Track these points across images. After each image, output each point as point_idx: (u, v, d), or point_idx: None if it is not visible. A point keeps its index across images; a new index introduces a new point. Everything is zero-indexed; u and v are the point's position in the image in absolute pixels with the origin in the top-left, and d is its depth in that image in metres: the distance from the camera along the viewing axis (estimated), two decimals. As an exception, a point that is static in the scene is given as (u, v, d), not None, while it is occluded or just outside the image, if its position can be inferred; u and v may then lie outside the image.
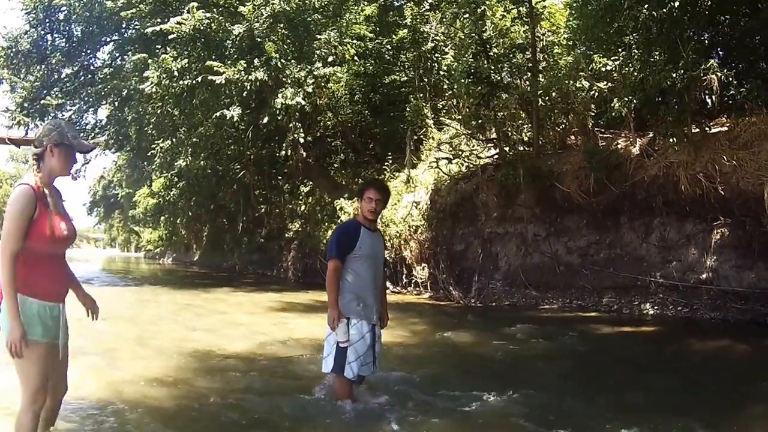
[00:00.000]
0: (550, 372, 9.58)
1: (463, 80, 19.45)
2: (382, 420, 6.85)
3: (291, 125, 23.69)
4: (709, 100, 17.07)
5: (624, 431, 6.41)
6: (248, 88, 22.73)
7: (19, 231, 4.83)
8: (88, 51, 31.85)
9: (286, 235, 35.85)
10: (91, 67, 32.34)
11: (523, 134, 20.73)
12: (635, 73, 15.92)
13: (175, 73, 23.28)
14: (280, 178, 35.18)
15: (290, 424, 6.89)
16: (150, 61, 23.56)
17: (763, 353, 10.95)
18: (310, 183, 32.94)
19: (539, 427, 6.71)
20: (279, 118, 23.43)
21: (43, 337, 4.92)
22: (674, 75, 14.66)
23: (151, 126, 30.19)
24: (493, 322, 14.83)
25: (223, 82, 22.23)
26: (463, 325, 14.42)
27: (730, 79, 15.23)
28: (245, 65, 22.37)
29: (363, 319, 7.26)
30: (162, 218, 51.69)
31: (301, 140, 24.07)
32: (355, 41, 24.29)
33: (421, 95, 24.30)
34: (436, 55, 24.36)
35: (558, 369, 9.76)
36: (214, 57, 23.36)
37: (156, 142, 30.36)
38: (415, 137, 24.38)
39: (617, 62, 16.32)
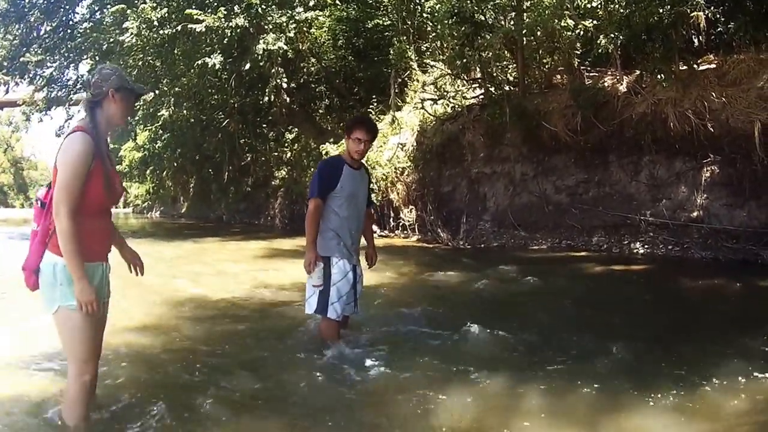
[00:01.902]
0: (537, 310, 9.46)
1: (446, 21, 19.19)
2: (367, 359, 6.75)
3: (273, 71, 23.47)
4: (696, 40, 16.91)
5: (605, 366, 6.40)
6: (229, 35, 22.53)
7: (78, 183, 4.47)
8: (67, 6, 31.61)
9: (273, 182, 35.76)
10: (71, 23, 32.06)
11: (509, 74, 20.54)
12: (621, 10, 15.75)
13: (155, 23, 23.06)
14: (264, 126, 34.92)
15: (274, 368, 6.72)
16: (129, 11, 23.26)
17: (755, 292, 10.82)
18: (295, 130, 32.70)
19: (525, 361, 6.69)
20: (261, 64, 23.20)
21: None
22: (660, 11, 14.49)
23: (132, 78, 29.78)
24: (481, 262, 14.72)
25: (204, 30, 21.98)
26: (451, 266, 14.28)
27: (718, 16, 15.08)
28: (225, 12, 22.10)
29: (344, 258, 7.14)
30: (148, 171, 51.27)
31: (284, 86, 23.91)
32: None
33: (405, 38, 24.04)
34: (420, -4, 24.15)
35: (545, 307, 9.62)
36: (193, 5, 23.08)
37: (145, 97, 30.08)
38: (400, 80, 24.21)
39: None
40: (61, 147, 4.59)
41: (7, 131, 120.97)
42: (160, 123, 33.96)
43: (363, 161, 7.63)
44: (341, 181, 7.13)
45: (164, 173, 49.26)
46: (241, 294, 11.44)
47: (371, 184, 7.98)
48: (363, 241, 7.66)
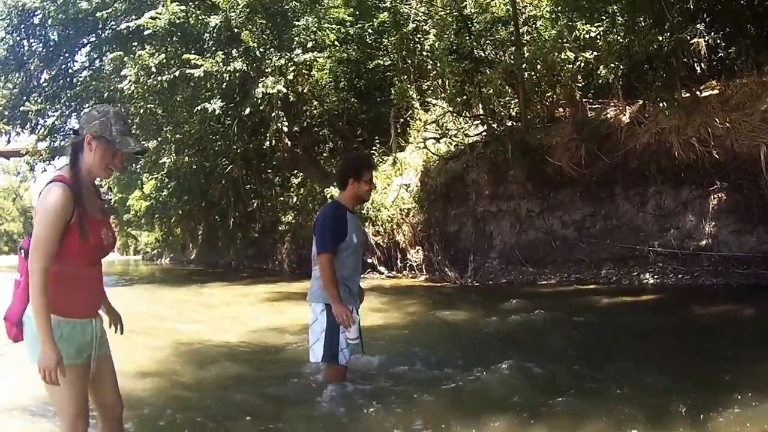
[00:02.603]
0: (545, 344, 9.34)
1: (445, 58, 19.16)
2: (371, 401, 6.54)
3: (273, 114, 23.40)
4: (698, 66, 16.85)
5: (616, 403, 6.11)
6: (227, 79, 22.47)
7: (53, 240, 4.17)
8: (66, 54, 31.54)
9: (280, 227, 35.59)
10: (70, 71, 32.05)
11: (511, 109, 20.48)
12: (621, 40, 15.69)
13: (153, 69, 23.01)
14: (269, 171, 34.88)
15: (277, 409, 6.63)
16: (126, 58, 23.27)
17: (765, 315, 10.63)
18: (300, 174, 32.62)
19: (530, 401, 6.42)
20: (261, 108, 23.14)
21: (77, 359, 4.35)
22: (660, 39, 14.43)
23: (134, 126, 29.88)
24: (489, 299, 14.54)
25: (202, 75, 21.95)
26: (458, 304, 14.20)
27: (718, 41, 15.02)
28: (224, 57, 22.08)
29: (351, 305, 6.90)
30: (155, 220, 51.33)
31: (285, 129, 23.89)
32: (334, 26, 23.97)
33: (405, 77, 24.02)
34: (418, 35, 24.14)
35: (553, 341, 9.48)
36: (192, 51, 23.07)
37: (141, 142, 29.97)
38: (402, 120, 24.17)
39: (601, 28, 16.07)
40: (39, 197, 4.34)
41: (15, 181, 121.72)
42: (165, 171, 33.93)
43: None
44: (348, 230, 6.88)
45: (172, 221, 49.32)
46: (245, 337, 11.31)
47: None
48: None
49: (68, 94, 30.15)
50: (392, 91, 23.80)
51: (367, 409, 6.31)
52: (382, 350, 8.75)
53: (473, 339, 10.36)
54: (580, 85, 18.12)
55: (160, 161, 30.93)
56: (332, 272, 6.70)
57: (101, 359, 4.62)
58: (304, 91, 26.35)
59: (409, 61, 24.53)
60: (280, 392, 7.35)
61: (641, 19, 15.35)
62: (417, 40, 24.28)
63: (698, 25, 14.90)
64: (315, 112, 29.65)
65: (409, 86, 23.16)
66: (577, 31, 16.84)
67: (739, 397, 5.89)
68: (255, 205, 37.43)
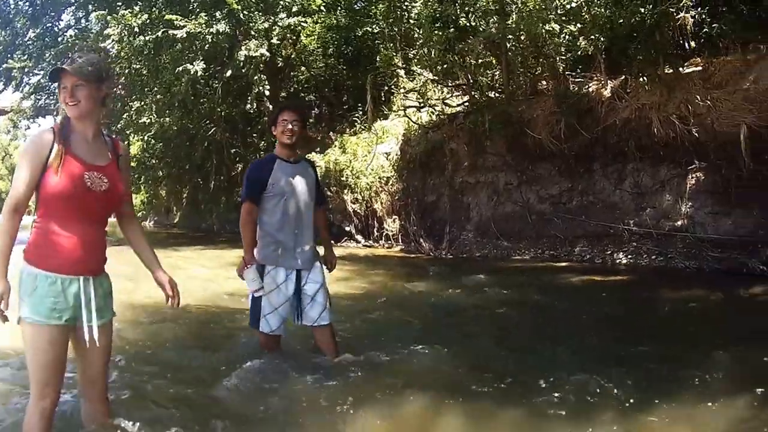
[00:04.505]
0: (499, 322, 9.19)
1: (429, 26, 18.84)
2: (287, 374, 6.37)
3: (256, 78, 23.17)
4: (685, 43, 16.58)
5: (551, 387, 5.95)
6: (210, 41, 22.20)
7: (22, 180, 4.07)
8: (52, 13, 31.39)
9: (263, 193, 35.31)
10: (56, 29, 31.85)
11: (494, 81, 20.18)
12: (605, 11, 15.38)
13: (136, 29, 22.77)
14: (254, 135, 34.62)
15: (204, 374, 6.58)
16: (110, 18, 23.04)
17: (736, 302, 10.48)
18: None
19: (460, 380, 6.27)
20: (244, 71, 22.91)
21: (50, 319, 4.12)
22: (643, 11, 14.12)
23: (119, 87, 29.65)
24: (459, 272, 14.39)
25: (185, 36, 21.70)
26: (427, 276, 14.16)
27: (704, 17, 14.73)
28: (207, 18, 21.82)
29: (279, 267, 6.62)
30: (141, 182, 51.18)
31: (267, 93, 23.62)
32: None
33: (392, 45, 23.76)
34: (406, 3, 23.81)
35: (509, 319, 9.39)
36: (177, 11, 22.80)
37: (130, 103, 29.82)
38: (386, 88, 23.98)
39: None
40: None
41: (5, 139, 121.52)
42: (152, 132, 33.65)
43: (308, 157, 7.21)
44: (272, 176, 6.62)
45: (157, 183, 49.16)
46: (203, 300, 11.21)
47: (319, 181, 7.24)
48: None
49: (53, 53, 29.91)
50: (377, 59, 23.56)
51: (271, 384, 6.17)
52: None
53: (425, 313, 10.22)
54: (563, 57, 17.83)
55: (140, 121, 30.60)
56: (245, 222, 6.65)
57: (94, 327, 4.32)
58: (292, 56, 26.16)
59: (396, 29, 24.24)
60: (208, 356, 7.32)
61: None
62: (404, 7, 23.97)
63: (685, 1, 14.62)
64: (302, 77, 29.49)
65: (394, 54, 22.90)
66: (559, 1, 16.52)
67: (687, 386, 5.84)
68: (239, 169, 37.22)
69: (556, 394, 5.68)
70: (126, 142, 39.45)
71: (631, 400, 5.53)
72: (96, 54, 4.59)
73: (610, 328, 8.74)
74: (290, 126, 6.62)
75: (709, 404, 5.34)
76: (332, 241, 7.28)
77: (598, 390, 5.77)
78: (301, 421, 5.31)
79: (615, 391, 5.74)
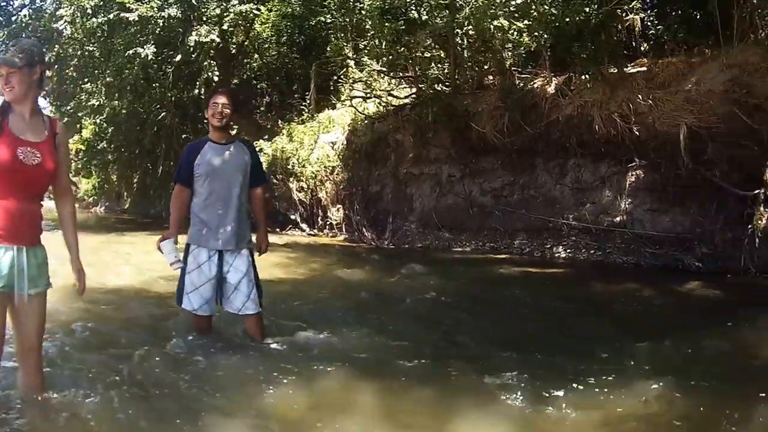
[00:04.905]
0: (428, 308, 9.37)
1: (378, 17, 18.87)
2: (217, 351, 6.53)
3: (205, 63, 23.12)
4: (633, 43, 16.79)
5: (464, 369, 6.13)
6: (162, 25, 22.10)
7: None
8: (6, -9, 31.05)
9: (212, 180, 35.19)
10: (10, 8, 31.51)
11: (441, 74, 20.25)
12: (551, 9, 15.51)
13: (89, 11, 22.63)
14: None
15: (128, 350, 6.67)
16: (63, -2, 22.95)
17: (666, 297, 10.64)
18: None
19: (380, 360, 6.49)
20: (193, 56, 22.84)
21: None
22: (588, 10, 14.27)
23: (71, 69, 29.45)
24: (398, 262, 14.37)
25: (137, 19, 21.61)
26: (364, 264, 14.20)
27: (652, 19, 14.93)
28: (159, 2, 21.73)
29: (202, 246, 6.74)
30: (92, 165, 50.70)
31: (216, 79, 23.55)
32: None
33: (343, 35, 23.78)
34: (360, -7, 23.89)
35: (438, 305, 9.59)
36: (131, -6, 22.71)
37: (82, 85, 29.64)
38: (335, 78, 24.02)
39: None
40: None
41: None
42: (105, 116, 33.40)
43: (248, 140, 7.29)
44: (199, 157, 6.76)
45: (108, 168, 48.74)
46: (136, 283, 11.31)
47: (257, 162, 7.38)
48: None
49: (6, 32, 29.64)
50: (328, 48, 23.60)
51: (194, 359, 6.37)
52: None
53: (358, 298, 10.32)
54: (510, 53, 17.94)
55: (89, 103, 30.38)
56: (173, 203, 6.94)
57: (27, 294, 4.57)
58: (245, 43, 26.11)
59: (348, 20, 24.26)
60: (140, 334, 7.48)
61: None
62: (357, -1, 24.08)
63: (633, 2, 14.80)
64: (255, 65, 29.47)
65: (345, 44, 22.91)
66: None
67: (574, 373, 5.96)
68: (191, 155, 37.10)
69: (470, 376, 5.82)
70: (78, 125, 39.14)
71: (541, 384, 5.64)
72: (30, 39, 4.81)
73: (537, 318, 8.86)
74: (220, 109, 6.75)
75: (616, 393, 5.45)
76: (276, 230, 7.33)
77: (510, 374, 5.88)
78: (218, 394, 5.41)
79: (526, 375, 5.84)
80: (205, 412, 5.01)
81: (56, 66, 29.80)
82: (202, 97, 28.03)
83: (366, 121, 21.41)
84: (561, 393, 5.39)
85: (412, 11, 18.68)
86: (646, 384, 5.48)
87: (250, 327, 6.89)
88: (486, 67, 19.47)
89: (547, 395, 5.35)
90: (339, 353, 6.54)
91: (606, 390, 5.47)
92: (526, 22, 16.49)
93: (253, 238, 7.12)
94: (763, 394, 5.32)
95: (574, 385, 5.62)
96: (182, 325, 7.45)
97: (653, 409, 5.08)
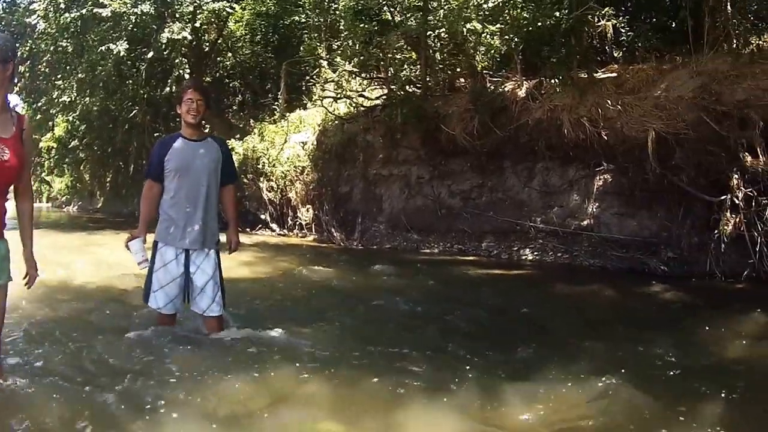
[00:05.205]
0: (387, 306, 9.39)
1: (351, 18, 18.88)
2: (174, 345, 6.47)
3: (177, 61, 23.05)
4: (607, 49, 16.86)
5: (415, 363, 6.19)
6: (134, 21, 22.04)
7: None
8: (-22, -15, 30.88)
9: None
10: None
11: (413, 75, 20.28)
12: (524, 14, 15.58)
13: (62, 5, 22.53)
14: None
15: (90, 342, 6.77)
16: (37, -8, 22.84)
17: (631, 299, 10.67)
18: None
19: (332, 354, 6.48)
20: (165, 53, 22.78)
21: None
22: (558, 15, 14.33)
23: (44, 64, 29.32)
24: (365, 262, 14.43)
25: (110, 14, 21.53)
26: (331, 264, 14.18)
27: (624, 25, 14.99)
28: (133, -1, 21.72)
29: (169, 245, 6.64)
30: (65, 164, 50.42)
31: (186, 76, 23.47)
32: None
33: (317, 35, 23.81)
34: (333, -6, 23.91)
35: (398, 303, 9.52)
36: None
37: (54, 82, 29.52)
38: (307, 77, 24.03)
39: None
40: None
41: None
42: (78, 113, 33.23)
43: (220, 137, 7.19)
44: (169, 153, 6.61)
45: (81, 167, 48.51)
46: (102, 280, 11.24)
47: (228, 159, 7.25)
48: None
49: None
50: (301, 48, 23.62)
51: (149, 350, 6.39)
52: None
53: (319, 296, 10.41)
54: (482, 56, 17.97)
55: (60, 99, 30.21)
56: (144, 199, 6.81)
57: None
58: (218, 41, 26.05)
59: (322, 20, 24.28)
60: (91, 327, 7.55)
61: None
62: (332, -1, 24.11)
63: (606, 8, 14.86)
64: (228, 63, 29.43)
65: (318, 44, 22.93)
66: (476, 0, 16.64)
67: (525, 370, 6.06)
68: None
69: (423, 371, 5.82)
70: (50, 123, 38.92)
71: (494, 379, 5.69)
72: (3, 33, 4.72)
73: (497, 317, 8.84)
74: (194, 105, 6.61)
75: (567, 388, 5.48)
76: (246, 230, 7.27)
77: (463, 369, 5.94)
78: (167, 387, 5.40)
79: (479, 370, 5.90)
80: (151, 404, 4.99)
81: (29, 62, 29.68)
82: (174, 94, 28.03)
83: (336, 122, 21.39)
84: (512, 388, 5.40)
85: (386, 12, 18.72)
86: (597, 380, 5.50)
87: (210, 326, 6.81)
88: (458, 69, 19.49)
89: (499, 390, 5.35)
90: (293, 349, 6.51)
91: (557, 385, 5.49)
92: (498, 25, 16.51)
93: (222, 237, 7.01)
94: (709, 392, 5.40)
95: (526, 381, 5.66)
96: (142, 319, 7.44)
97: (602, 405, 5.10)
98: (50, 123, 40.11)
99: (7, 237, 4.80)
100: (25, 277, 5.07)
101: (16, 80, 4.73)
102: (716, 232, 12.27)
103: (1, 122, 4.54)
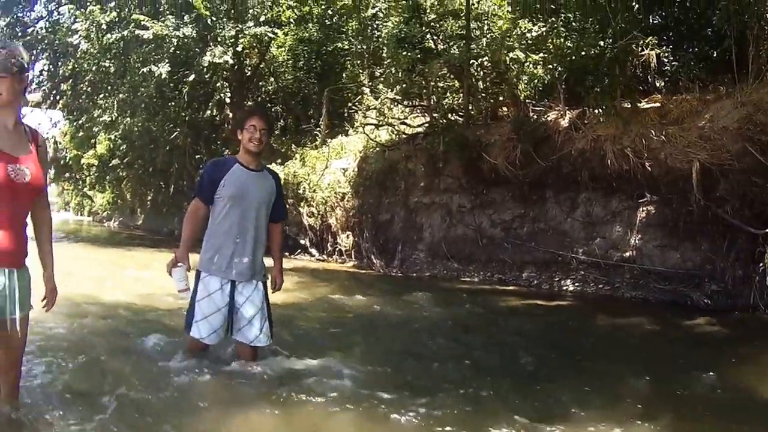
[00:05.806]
0: (425, 336, 9.24)
1: (394, 45, 18.92)
2: (203, 372, 6.43)
3: (218, 84, 23.16)
4: (648, 78, 16.78)
5: (446, 397, 6.06)
6: (175, 44, 22.17)
7: None
8: (24, 3, 31.10)
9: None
10: (26, 20, 31.54)
11: (455, 104, 20.26)
12: (567, 43, 15.52)
13: (104, 26, 22.71)
14: (219, 142, 34.57)
15: (115, 367, 6.66)
16: (78, 12, 22.98)
17: (673, 333, 10.55)
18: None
19: (361, 387, 6.35)
20: (207, 76, 22.91)
21: None
22: (602, 45, 14.25)
23: (86, 83, 29.53)
24: (404, 290, 14.24)
25: (151, 37, 21.69)
26: (369, 291, 14.08)
27: (667, 55, 14.90)
28: (174, 21, 21.82)
29: (213, 275, 6.48)
30: (106, 181, 50.92)
31: (228, 100, 23.58)
32: (291, 2, 23.77)
33: (359, 62, 23.86)
34: (377, 21, 23.92)
35: (435, 333, 9.40)
36: (146, 12, 22.81)
37: (98, 101, 29.74)
38: (349, 104, 24.06)
39: (544, 28, 15.90)
40: None
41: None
42: (120, 132, 33.48)
43: (273, 168, 7.07)
44: (225, 178, 6.45)
45: (122, 184, 48.96)
46: (134, 299, 11.23)
47: (281, 195, 7.11)
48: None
49: (21, 44, 29.75)
50: (344, 75, 23.68)
51: (175, 377, 6.32)
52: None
53: (356, 325, 10.33)
54: (525, 85, 17.90)
55: (101, 119, 30.41)
56: (188, 219, 6.58)
57: (17, 318, 4.41)
58: (261, 66, 26.16)
59: (365, 47, 24.33)
60: (119, 349, 7.49)
61: (588, 23, 15.20)
62: (374, 26, 24.09)
63: (649, 38, 14.78)
64: (270, 88, 29.51)
65: (361, 72, 22.98)
66: (519, 29, 16.62)
67: (562, 406, 5.96)
68: (202, 175, 37.10)
69: (449, 409, 5.72)
70: (93, 141, 39.21)
71: (533, 415, 5.57)
72: (13, 42, 4.63)
73: (537, 349, 8.65)
74: (258, 135, 6.48)
75: (606, 427, 5.37)
76: (285, 254, 7.16)
77: (497, 404, 5.86)
78: (192, 414, 5.40)
79: (517, 405, 5.82)
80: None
81: (71, 80, 29.97)
82: (216, 118, 28.12)
83: (378, 149, 21.36)
84: (552, 425, 5.31)
85: (429, 41, 18.74)
86: (637, 419, 5.44)
87: (246, 354, 6.70)
88: (500, 98, 19.43)
89: (538, 426, 5.25)
90: (322, 383, 6.38)
91: (596, 423, 5.38)
92: (541, 54, 16.50)
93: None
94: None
95: (566, 422, 5.53)
96: (173, 345, 7.38)
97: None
98: (92, 141, 40.42)
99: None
100: (43, 300, 4.92)
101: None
102: (761, 264, 12.10)
103: (17, 139, 4.42)
